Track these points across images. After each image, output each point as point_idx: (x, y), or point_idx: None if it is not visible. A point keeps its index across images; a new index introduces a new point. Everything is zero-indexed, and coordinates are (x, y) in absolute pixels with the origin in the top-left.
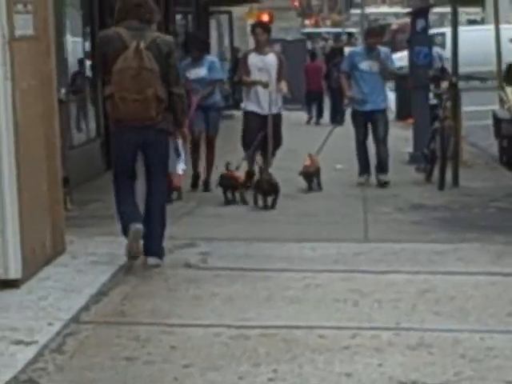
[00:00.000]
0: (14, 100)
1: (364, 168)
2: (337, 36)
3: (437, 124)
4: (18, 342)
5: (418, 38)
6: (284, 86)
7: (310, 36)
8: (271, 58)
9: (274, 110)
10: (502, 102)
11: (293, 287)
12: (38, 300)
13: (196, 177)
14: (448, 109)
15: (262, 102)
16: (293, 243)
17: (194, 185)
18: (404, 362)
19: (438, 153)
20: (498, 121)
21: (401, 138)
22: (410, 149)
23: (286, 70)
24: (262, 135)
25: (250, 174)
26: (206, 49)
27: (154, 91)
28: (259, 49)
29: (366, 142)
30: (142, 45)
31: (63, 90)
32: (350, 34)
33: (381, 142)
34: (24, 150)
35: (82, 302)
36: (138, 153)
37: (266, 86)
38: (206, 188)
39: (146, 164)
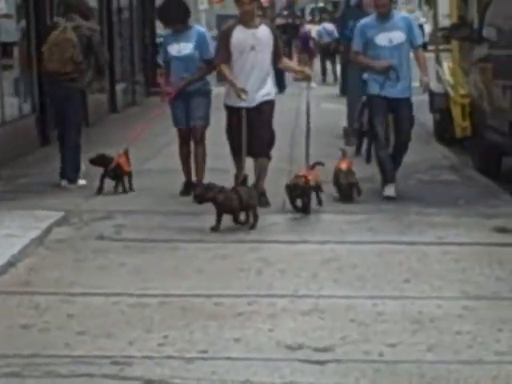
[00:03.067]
0: None
1: (390, 174)
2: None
3: (364, 98)
4: None
5: (350, 12)
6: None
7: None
8: (265, 32)
9: (256, 101)
10: (438, 76)
11: (200, 258)
12: None
13: (188, 185)
14: None
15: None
16: (207, 215)
17: (186, 192)
18: (294, 327)
19: (365, 127)
20: (432, 95)
21: (340, 112)
22: (345, 123)
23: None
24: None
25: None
26: (188, 17)
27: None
28: (247, 21)
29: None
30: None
31: None
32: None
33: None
34: None
35: None
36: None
37: (244, 95)
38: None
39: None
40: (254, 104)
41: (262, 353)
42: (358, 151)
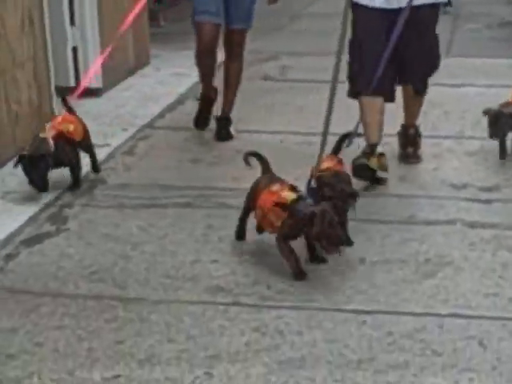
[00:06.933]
0: None
1: None
2: None
3: None
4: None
5: None
6: None
7: None
8: None
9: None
10: None
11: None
12: (115, 108)
13: (208, 101)
14: None
15: None
16: None
17: (201, 122)
18: (459, 166)
19: None
20: None
21: None
22: None
23: None
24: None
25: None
26: None
27: None
28: None
29: None
30: None
31: None
32: None
33: None
34: None
35: (157, 110)
36: None
37: None
38: (225, 131)
39: None
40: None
41: (427, 190)
42: None
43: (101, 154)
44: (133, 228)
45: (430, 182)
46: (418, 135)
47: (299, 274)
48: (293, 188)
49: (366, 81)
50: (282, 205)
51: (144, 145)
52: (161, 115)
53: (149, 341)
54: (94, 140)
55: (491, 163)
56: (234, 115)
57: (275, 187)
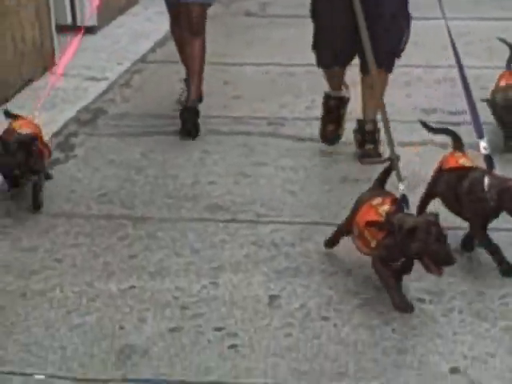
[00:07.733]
0: None
1: None
2: None
3: None
4: (91, 78)
5: None
6: None
7: None
8: None
9: None
10: None
11: None
12: (111, 44)
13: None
14: None
15: None
16: None
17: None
18: (429, 93)
19: None
20: None
21: None
22: None
23: None
24: None
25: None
26: None
27: None
28: None
29: None
30: None
31: None
32: None
33: None
34: None
35: (149, 45)
36: None
37: None
38: (191, 123)
39: None
40: None
41: (401, 115)
42: None
43: (101, 85)
44: (135, 154)
45: (403, 108)
46: (376, 131)
47: (402, 307)
48: (395, 201)
49: (328, 61)
50: (376, 223)
51: (139, 78)
52: (152, 50)
53: (158, 255)
54: (94, 73)
55: (457, 90)
56: (218, 51)
57: (376, 201)
